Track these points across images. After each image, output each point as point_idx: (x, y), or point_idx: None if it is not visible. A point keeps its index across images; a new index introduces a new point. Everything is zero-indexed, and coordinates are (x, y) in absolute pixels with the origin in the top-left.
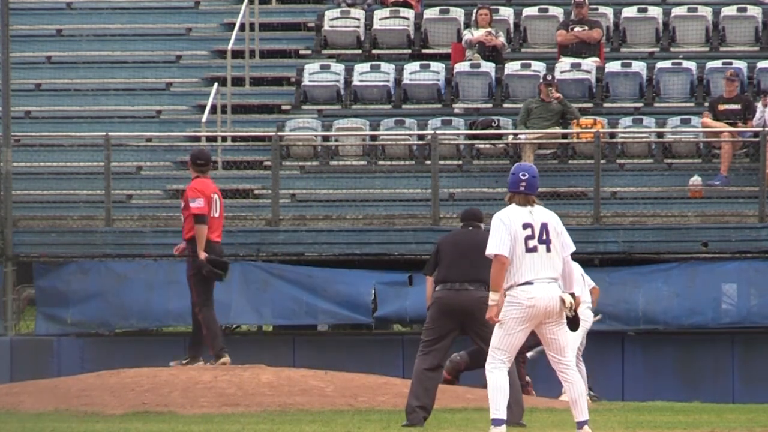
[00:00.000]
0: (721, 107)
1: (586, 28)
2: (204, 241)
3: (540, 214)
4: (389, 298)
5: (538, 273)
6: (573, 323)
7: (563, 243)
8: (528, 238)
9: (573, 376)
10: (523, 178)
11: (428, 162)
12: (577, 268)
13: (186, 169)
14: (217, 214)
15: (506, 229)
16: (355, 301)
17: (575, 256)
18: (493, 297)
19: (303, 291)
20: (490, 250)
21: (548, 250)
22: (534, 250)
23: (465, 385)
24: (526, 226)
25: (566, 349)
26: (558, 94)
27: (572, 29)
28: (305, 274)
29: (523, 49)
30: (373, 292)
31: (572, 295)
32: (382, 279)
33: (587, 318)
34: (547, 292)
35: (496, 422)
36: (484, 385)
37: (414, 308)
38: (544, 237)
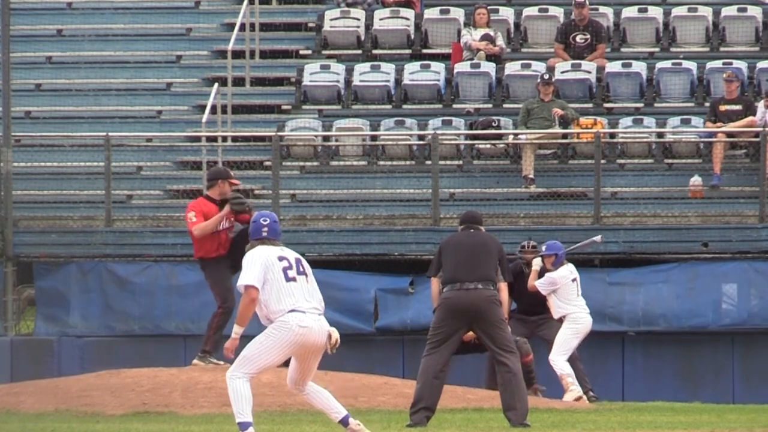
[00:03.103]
0: (722, 108)
1: (587, 35)
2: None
3: (290, 251)
4: (390, 306)
5: (304, 303)
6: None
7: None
8: (286, 269)
9: (312, 390)
10: (265, 223)
11: (428, 162)
12: (572, 273)
13: (185, 170)
14: (224, 227)
15: (262, 264)
16: (356, 309)
17: (574, 258)
18: (236, 330)
19: None
20: (242, 281)
21: (307, 281)
22: (294, 279)
23: (465, 386)
24: (281, 258)
25: (313, 374)
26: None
27: (574, 37)
28: None
29: (523, 49)
30: (374, 299)
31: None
32: (383, 284)
33: (580, 322)
34: (318, 325)
35: (243, 425)
36: (487, 386)
37: (415, 318)
38: (301, 269)
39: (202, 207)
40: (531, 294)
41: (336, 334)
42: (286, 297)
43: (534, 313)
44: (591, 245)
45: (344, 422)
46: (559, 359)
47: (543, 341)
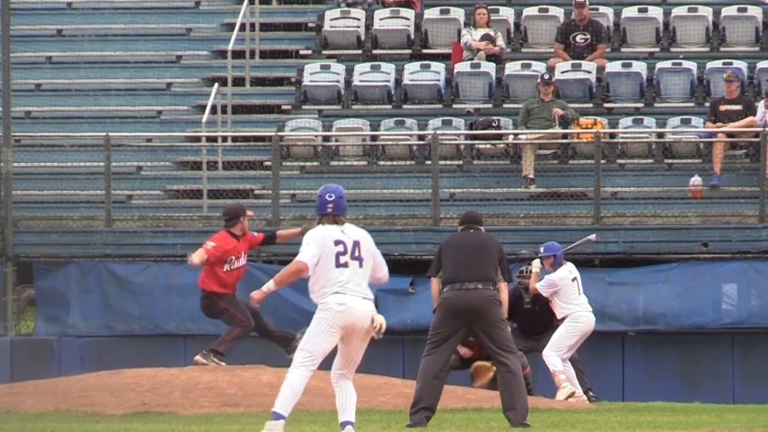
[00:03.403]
0: (722, 108)
1: (587, 35)
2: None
3: (351, 231)
4: (390, 308)
5: (350, 288)
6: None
7: (379, 264)
8: (339, 254)
9: (345, 385)
10: (330, 199)
11: (428, 162)
12: (571, 272)
13: (185, 170)
14: (234, 267)
15: (318, 245)
16: None
17: (574, 258)
18: (269, 285)
19: (304, 298)
20: (299, 258)
21: (360, 266)
22: (345, 265)
23: (465, 386)
24: (338, 242)
25: (356, 362)
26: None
27: (574, 37)
28: (306, 278)
29: (523, 49)
30: (374, 299)
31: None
32: (383, 285)
33: (580, 321)
34: (359, 306)
35: (276, 415)
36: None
37: (415, 318)
38: (357, 254)
39: (224, 243)
40: (531, 316)
41: (380, 318)
42: (331, 282)
43: (534, 333)
44: (586, 244)
45: (343, 426)
46: (552, 355)
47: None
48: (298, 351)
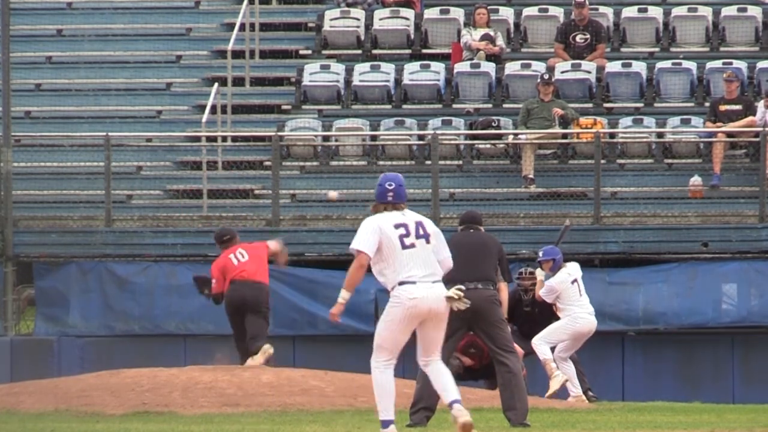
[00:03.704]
0: (722, 108)
1: (587, 35)
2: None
3: (412, 215)
4: None
5: (419, 271)
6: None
7: (442, 244)
8: (403, 236)
9: (436, 367)
10: (390, 187)
11: (428, 162)
12: (570, 275)
13: (185, 169)
14: (244, 260)
15: (374, 230)
16: (357, 310)
17: (575, 257)
18: (343, 295)
19: (304, 298)
20: (354, 245)
21: (428, 242)
22: (412, 246)
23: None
24: (398, 225)
25: (439, 342)
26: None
27: (574, 37)
28: (306, 278)
29: (523, 49)
30: (374, 300)
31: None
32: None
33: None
34: (430, 292)
35: (385, 423)
36: (488, 386)
37: None
38: (422, 232)
39: (224, 264)
40: (530, 319)
41: (453, 293)
42: (401, 267)
43: (534, 334)
44: (566, 233)
45: (450, 405)
46: (541, 344)
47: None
48: (376, 349)
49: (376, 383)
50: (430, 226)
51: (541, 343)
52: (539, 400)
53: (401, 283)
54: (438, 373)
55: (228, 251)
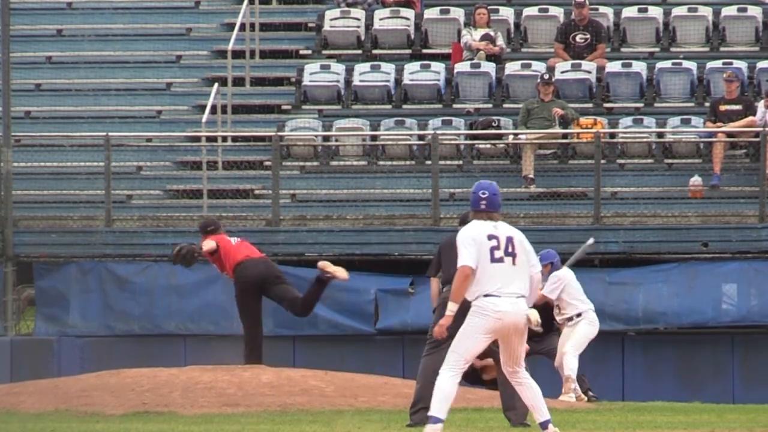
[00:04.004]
0: (722, 108)
1: (587, 35)
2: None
3: (505, 228)
4: (391, 307)
5: (504, 286)
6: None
7: (533, 260)
8: (494, 248)
9: (525, 381)
10: (483, 196)
11: (428, 162)
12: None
13: (185, 169)
14: (237, 239)
15: (474, 242)
16: (356, 310)
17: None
18: (451, 308)
19: None
20: (462, 261)
21: (514, 263)
22: (500, 260)
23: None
24: (491, 237)
25: (521, 354)
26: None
27: (574, 37)
28: (306, 278)
29: (523, 49)
30: (374, 300)
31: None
32: (384, 285)
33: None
34: (514, 308)
35: (433, 419)
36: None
37: (416, 318)
38: (510, 250)
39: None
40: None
41: (534, 316)
42: (487, 279)
43: (534, 335)
44: (587, 250)
45: (543, 425)
46: (573, 356)
47: (544, 356)
48: (450, 353)
49: (438, 385)
50: (519, 243)
51: (573, 355)
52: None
53: (486, 296)
54: (528, 387)
55: (214, 238)
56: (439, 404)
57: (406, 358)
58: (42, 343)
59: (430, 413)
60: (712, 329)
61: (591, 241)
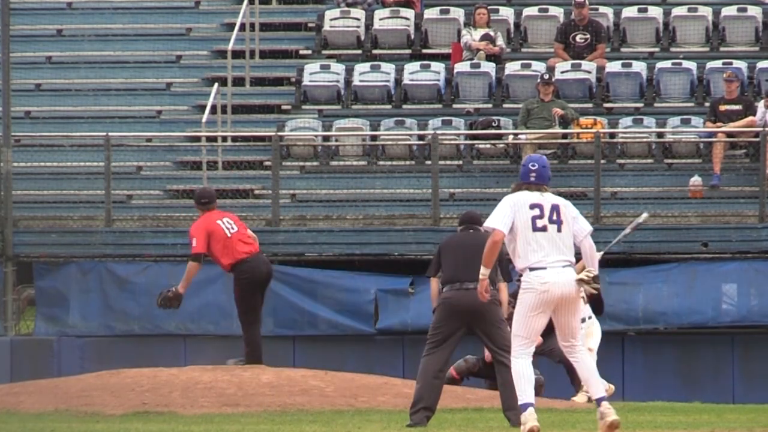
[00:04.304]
0: (722, 108)
1: (587, 35)
2: (191, 277)
3: (551, 197)
4: (391, 307)
5: (549, 255)
6: (598, 304)
7: (580, 227)
8: (536, 217)
9: (582, 356)
10: (533, 168)
11: (428, 162)
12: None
13: (185, 170)
14: (234, 230)
15: (511, 208)
16: (356, 310)
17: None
18: (483, 272)
19: (304, 298)
20: (488, 223)
21: (559, 230)
22: (543, 229)
23: (465, 386)
24: (534, 206)
25: (576, 328)
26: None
27: (574, 37)
28: (306, 278)
29: (523, 49)
30: (374, 300)
31: (596, 276)
32: (384, 285)
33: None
34: (561, 277)
35: (524, 406)
36: (488, 386)
37: (416, 318)
38: (555, 217)
39: (208, 225)
40: None
41: (584, 275)
42: (532, 249)
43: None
44: (640, 226)
45: (598, 402)
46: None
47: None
48: (513, 338)
49: (514, 370)
50: (565, 212)
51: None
52: (539, 400)
53: (532, 269)
54: (583, 365)
55: (211, 215)
56: (524, 389)
57: (406, 358)
58: (42, 343)
59: (519, 402)
60: (712, 329)
61: (645, 215)
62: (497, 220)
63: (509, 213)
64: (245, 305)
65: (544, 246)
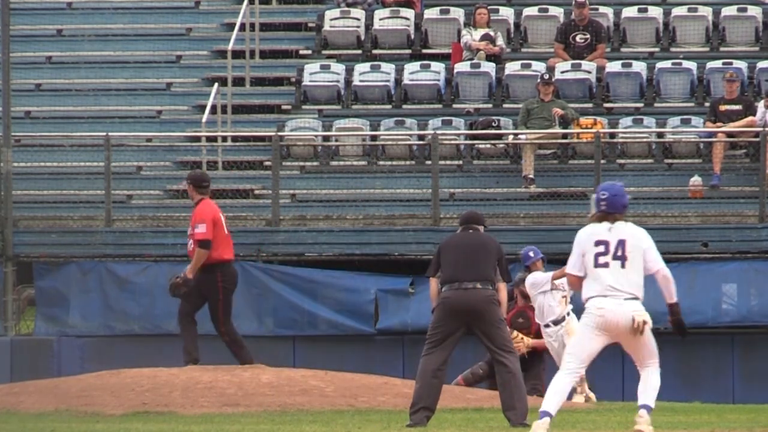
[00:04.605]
0: (722, 108)
1: (587, 35)
2: (200, 264)
3: (620, 231)
4: (391, 307)
5: (608, 289)
6: (679, 328)
7: (652, 259)
8: (599, 254)
9: (650, 372)
10: (602, 197)
11: (428, 162)
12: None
13: (185, 169)
14: (226, 232)
15: (579, 248)
16: (356, 310)
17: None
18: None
19: (304, 298)
20: (567, 269)
21: (623, 266)
22: (605, 265)
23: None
24: (599, 243)
25: (648, 356)
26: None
27: (574, 37)
28: (307, 278)
29: (523, 49)
30: (374, 300)
31: (673, 305)
32: (384, 285)
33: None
34: (619, 308)
35: (542, 413)
36: (488, 386)
37: (416, 319)
38: (620, 253)
39: (214, 213)
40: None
41: (641, 318)
42: (592, 283)
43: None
44: None
45: (639, 408)
46: None
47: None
48: (566, 355)
49: (552, 383)
50: (633, 246)
51: None
52: (539, 400)
53: (590, 298)
54: (645, 378)
55: (210, 202)
56: (549, 400)
57: (406, 358)
58: (42, 343)
59: (541, 409)
60: (712, 329)
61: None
62: (572, 266)
63: (579, 253)
64: (227, 308)
65: (605, 280)
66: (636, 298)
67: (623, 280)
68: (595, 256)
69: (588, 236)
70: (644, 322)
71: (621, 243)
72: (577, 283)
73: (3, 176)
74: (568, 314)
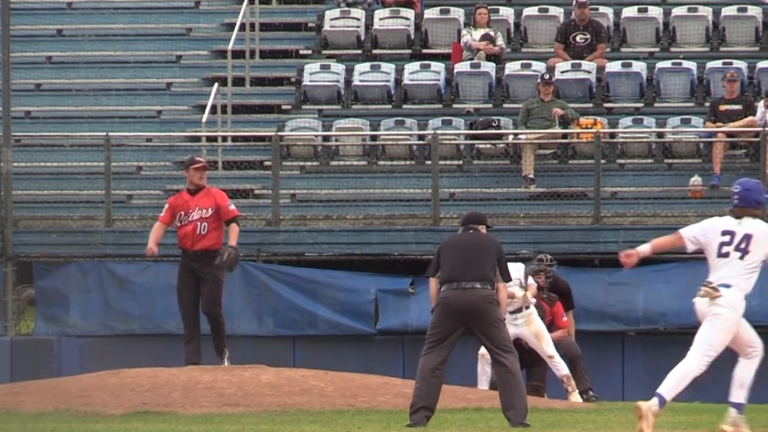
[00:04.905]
0: (722, 108)
1: (587, 35)
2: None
3: (748, 226)
4: (391, 307)
5: (723, 279)
6: None
7: None
8: (723, 244)
9: (752, 360)
10: (735, 191)
11: (428, 162)
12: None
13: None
14: (179, 223)
15: (703, 228)
16: (356, 310)
17: (575, 257)
18: (643, 247)
19: (304, 298)
20: (682, 230)
21: (741, 258)
22: (726, 255)
23: (465, 386)
24: (726, 233)
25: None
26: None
27: (574, 37)
28: (307, 278)
29: (523, 49)
30: (374, 300)
31: None
32: (384, 285)
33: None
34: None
35: (657, 395)
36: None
37: (416, 319)
38: (743, 246)
39: (175, 200)
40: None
41: (713, 293)
42: (714, 271)
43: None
44: None
45: (738, 408)
46: (558, 357)
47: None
48: (699, 341)
49: (684, 366)
50: (756, 242)
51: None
52: (539, 400)
53: (728, 287)
54: (746, 367)
55: (181, 195)
56: (668, 383)
57: (406, 358)
58: (42, 343)
59: (659, 390)
60: None
61: None
62: (687, 229)
63: (699, 231)
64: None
65: (723, 270)
66: (730, 286)
67: (737, 273)
68: (719, 245)
69: (717, 224)
70: (714, 296)
71: (747, 237)
72: (678, 242)
73: (3, 176)
74: (527, 307)
